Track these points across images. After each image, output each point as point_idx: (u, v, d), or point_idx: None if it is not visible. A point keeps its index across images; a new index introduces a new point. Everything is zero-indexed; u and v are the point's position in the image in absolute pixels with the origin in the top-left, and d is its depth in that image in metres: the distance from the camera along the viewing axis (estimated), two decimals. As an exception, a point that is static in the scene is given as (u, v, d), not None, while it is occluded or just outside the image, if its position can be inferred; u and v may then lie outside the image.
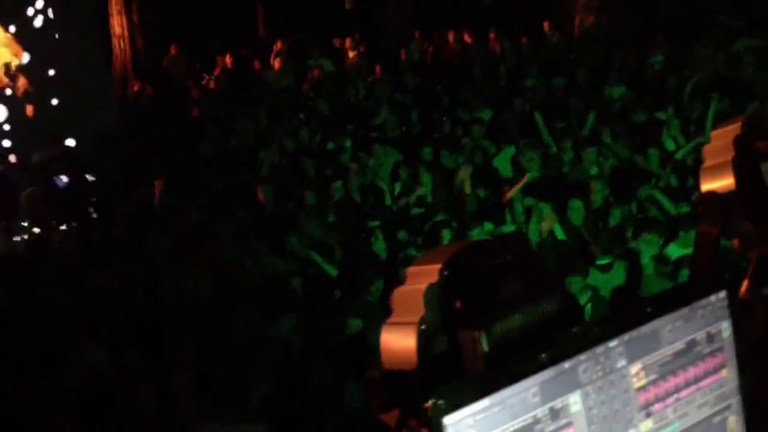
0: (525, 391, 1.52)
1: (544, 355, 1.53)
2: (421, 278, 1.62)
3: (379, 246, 6.26)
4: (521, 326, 1.62)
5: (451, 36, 14.08)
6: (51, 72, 9.63)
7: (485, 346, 1.55)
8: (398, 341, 1.58)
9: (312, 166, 7.87)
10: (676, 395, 1.68)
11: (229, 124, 9.58)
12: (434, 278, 1.60)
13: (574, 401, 1.57)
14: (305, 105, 10.70)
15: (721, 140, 2.01)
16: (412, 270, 1.69)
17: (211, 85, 12.59)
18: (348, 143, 8.46)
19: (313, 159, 8.05)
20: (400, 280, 1.66)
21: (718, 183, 1.90)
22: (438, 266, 1.60)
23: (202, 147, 8.64)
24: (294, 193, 7.28)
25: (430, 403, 1.42)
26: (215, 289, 5.46)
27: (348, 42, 14.97)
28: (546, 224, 6.66)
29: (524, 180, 7.26)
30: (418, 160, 7.80)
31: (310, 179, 7.45)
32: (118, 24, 14.64)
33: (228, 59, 12.98)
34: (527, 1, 15.34)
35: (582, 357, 1.58)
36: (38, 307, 5.14)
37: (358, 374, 4.09)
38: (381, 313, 4.56)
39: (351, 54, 14.96)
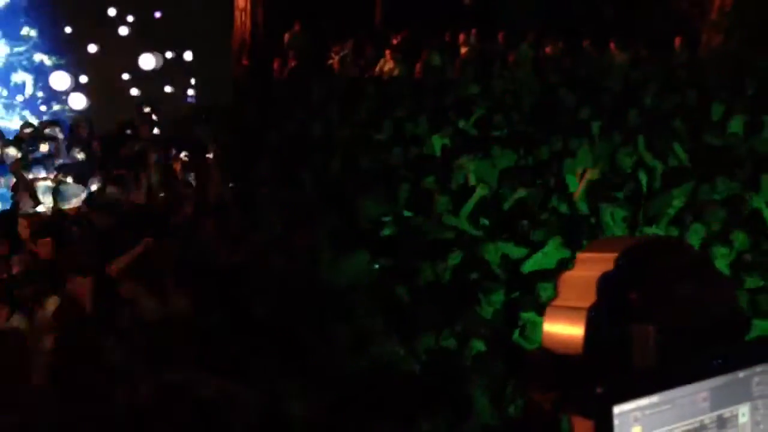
0: (695, 394, 1.47)
1: (719, 361, 1.48)
2: (594, 265, 1.59)
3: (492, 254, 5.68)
4: (692, 327, 1.57)
5: (558, 44, 13.77)
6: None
7: (657, 342, 1.51)
8: (565, 325, 1.55)
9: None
10: None
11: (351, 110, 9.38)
12: (609, 266, 1.56)
13: (743, 413, 1.52)
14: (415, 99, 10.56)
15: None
16: (583, 256, 1.66)
17: (334, 66, 12.77)
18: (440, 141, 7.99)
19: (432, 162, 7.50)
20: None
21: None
22: (614, 255, 1.57)
23: (315, 129, 8.48)
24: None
25: (600, 389, 1.40)
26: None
27: (462, 38, 14.89)
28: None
29: (586, 177, 6.57)
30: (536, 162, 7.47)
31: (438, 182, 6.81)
32: (241, -1, 15.08)
33: (349, 45, 13.07)
34: (650, 13, 14.86)
35: (758, 369, 1.51)
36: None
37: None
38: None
39: (463, 50, 14.87)
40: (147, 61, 10.66)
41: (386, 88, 10.94)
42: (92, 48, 13.87)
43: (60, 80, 11.15)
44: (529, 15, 16.21)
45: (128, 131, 8.59)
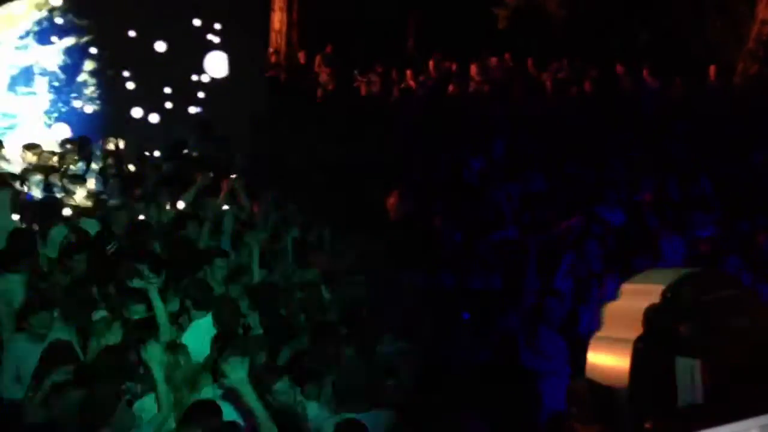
0: (744, 431, 1.45)
1: (769, 397, 1.45)
2: (640, 296, 1.57)
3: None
4: (741, 362, 1.54)
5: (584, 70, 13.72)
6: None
7: (704, 377, 1.48)
8: (610, 357, 1.54)
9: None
10: None
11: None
12: (656, 299, 1.55)
13: (793, 451, 1.48)
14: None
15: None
16: (628, 287, 1.65)
17: (362, 88, 12.88)
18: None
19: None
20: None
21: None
22: (660, 287, 1.55)
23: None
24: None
25: (649, 424, 1.38)
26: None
27: (494, 61, 14.93)
28: None
29: None
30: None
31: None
32: (278, 20, 15.31)
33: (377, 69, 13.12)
34: (685, 39, 14.76)
35: (809, 406, 1.48)
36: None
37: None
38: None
39: (496, 74, 14.91)
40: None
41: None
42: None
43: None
44: (562, 40, 16.20)
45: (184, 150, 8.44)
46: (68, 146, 7.24)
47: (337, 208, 6.72)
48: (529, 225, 6.19)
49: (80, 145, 7.18)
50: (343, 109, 10.85)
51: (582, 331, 4.42)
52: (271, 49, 14.89)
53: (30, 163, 6.77)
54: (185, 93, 9.28)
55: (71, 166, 7.02)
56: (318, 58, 14.22)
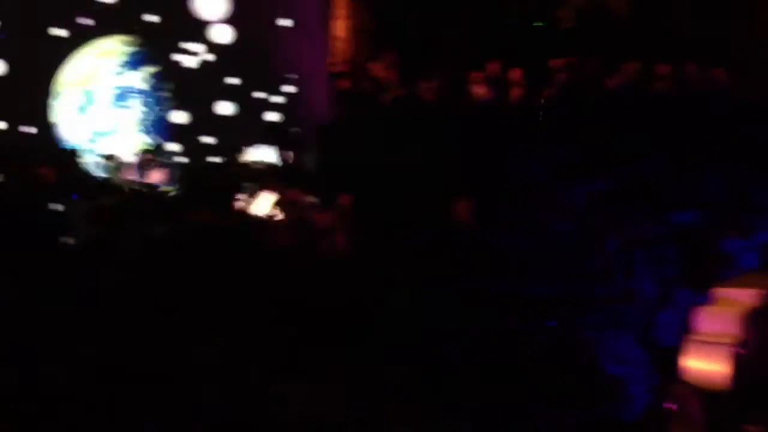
0: None
1: None
2: (738, 301, 1.56)
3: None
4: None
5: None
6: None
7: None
8: (711, 361, 1.53)
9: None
10: None
11: None
12: (756, 302, 1.54)
13: None
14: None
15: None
16: (723, 291, 1.64)
17: (426, 93, 12.88)
18: None
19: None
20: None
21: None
22: (760, 291, 1.54)
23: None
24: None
25: (754, 428, 1.37)
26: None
27: (559, 63, 14.75)
28: None
29: None
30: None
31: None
32: (341, 27, 15.49)
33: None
34: (728, 35, 14.26)
35: None
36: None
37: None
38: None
39: (560, 75, 14.72)
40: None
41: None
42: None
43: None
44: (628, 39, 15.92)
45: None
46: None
47: (404, 213, 6.79)
48: (603, 228, 6.12)
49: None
50: (407, 114, 10.89)
51: (660, 336, 4.35)
52: (334, 57, 15.10)
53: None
54: (254, 100, 9.69)
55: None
56: (381, 64, 14.33)
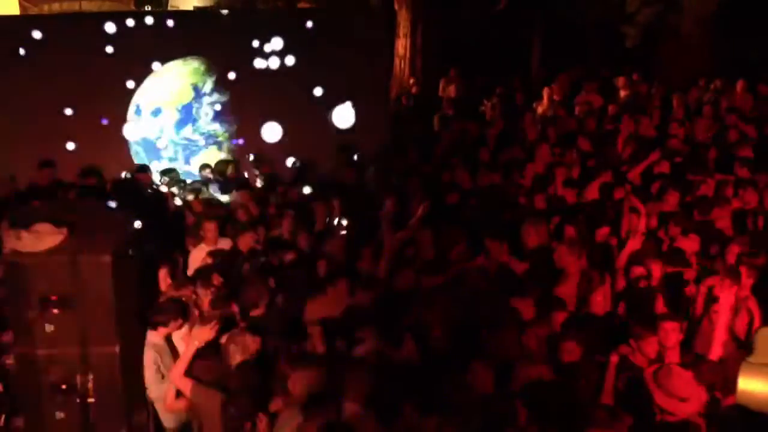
0: None
1: None
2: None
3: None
4: None
5: (739, 86, 13.03)
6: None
7: None
8: (765, 384, 1.49)
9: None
10: None
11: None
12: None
13: None
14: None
15: None
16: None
17: (488, 112, 12.82)
18: None
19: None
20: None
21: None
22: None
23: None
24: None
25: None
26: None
27: (621, 81, 14.50)
28: None
29: None
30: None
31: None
32: (402, 46, 15.60)
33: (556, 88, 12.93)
34: None
35: None
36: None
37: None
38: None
39: (623, 93, 14.48)
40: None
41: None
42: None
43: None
44: (691, 58, 15.54)
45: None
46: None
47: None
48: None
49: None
50: (468, 133, 10.83)
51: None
52: (395, 75, 15.19)
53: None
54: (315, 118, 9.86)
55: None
56: (442, 82, 14.37)
